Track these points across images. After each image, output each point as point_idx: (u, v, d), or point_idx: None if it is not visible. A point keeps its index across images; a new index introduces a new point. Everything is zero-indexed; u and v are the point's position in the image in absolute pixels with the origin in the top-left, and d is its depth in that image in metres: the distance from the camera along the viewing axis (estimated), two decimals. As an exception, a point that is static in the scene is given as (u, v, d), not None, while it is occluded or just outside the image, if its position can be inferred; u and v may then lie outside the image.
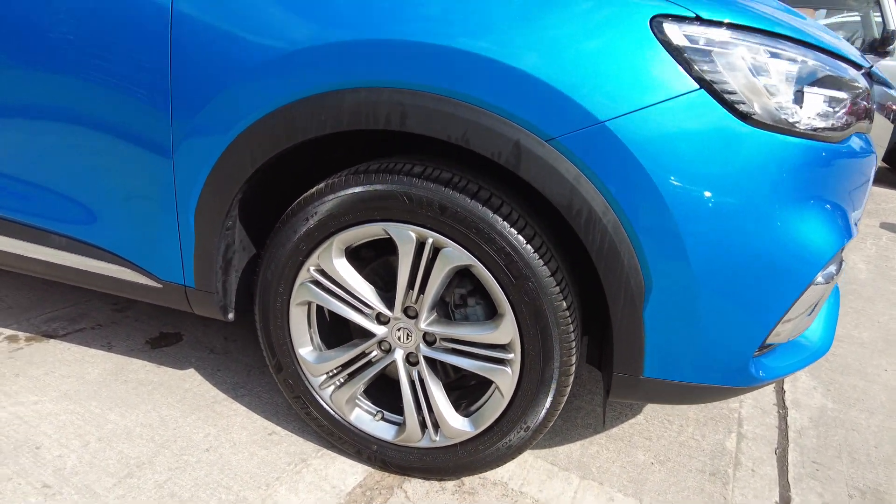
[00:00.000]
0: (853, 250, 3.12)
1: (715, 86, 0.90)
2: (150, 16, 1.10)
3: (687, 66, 0.90)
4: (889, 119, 2.77)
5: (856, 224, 1.12)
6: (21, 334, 1.75)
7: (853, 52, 1.15)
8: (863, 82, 1.03)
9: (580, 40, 0.91)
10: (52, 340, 1.72)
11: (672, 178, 0.91)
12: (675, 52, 0.90)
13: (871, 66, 1.26)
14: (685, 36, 0.91)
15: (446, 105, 0.96)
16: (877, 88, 1.33)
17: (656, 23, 0.91)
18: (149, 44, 1.11)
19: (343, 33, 0.98)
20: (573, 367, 1.10)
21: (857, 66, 1.07)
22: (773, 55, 0.93)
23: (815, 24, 1.17)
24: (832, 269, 1.07)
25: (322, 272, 1.17)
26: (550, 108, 0.92)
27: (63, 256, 1.35)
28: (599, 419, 1.53)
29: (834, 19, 5.49)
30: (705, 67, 0.90)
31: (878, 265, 2.93)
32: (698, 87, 0.90)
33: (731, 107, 0.91)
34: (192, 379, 1.56)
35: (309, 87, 1.02)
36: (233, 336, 1.80)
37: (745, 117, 0.91)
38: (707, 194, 0.91)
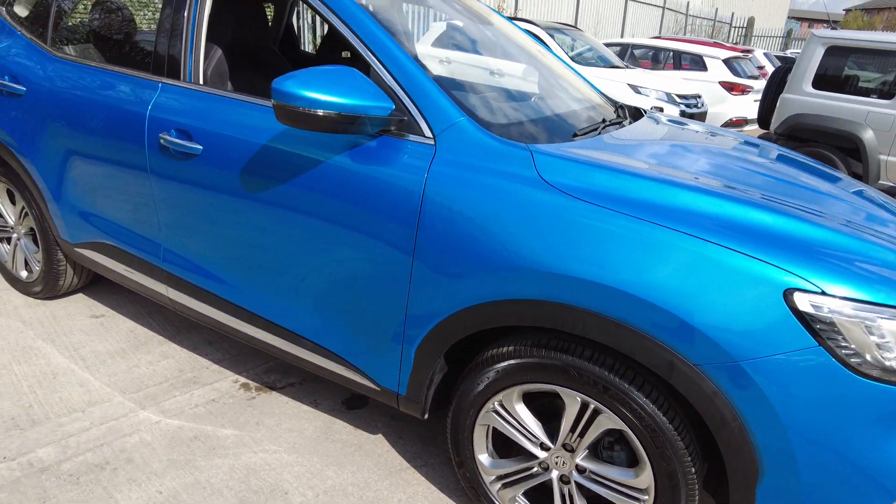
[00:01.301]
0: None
1: (831, 342, 1.20)
2: (404, 198, 1.54)
3: (810, 327, 1.20)
4: None
5: None
6: (251, 383, 2.33)
7: None
8: None
9: (729, 296, 1.24)
10: (273, 392, 2.28)
11: (789, 408, 1.22)
12: (801, 317, 1.21)
13: None
14: (811, 304, 1.20)
15: (620, 329, 1.32)
16: None
17: (788, 292, 1.22)
18: (400, 218, 1.55)
19: (557, 267, 1.36)
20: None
21: None
22: (889, 318, 1.20)
23: None
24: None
25: (503, 406, 1.59)
26: (698, 344, 1.26)
27: (309, 355, 1.87)
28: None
29: None
30: (825, 329, 1.20)
31: None
32: (817, 344, 1.20)
33: (844, 361, 1.20)
34: (381, 444, 2.05)
35: (523, 293, 1.41)
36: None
37: (859, 369, 1.20)
38: (817, 425, 1.22)
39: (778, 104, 5.77)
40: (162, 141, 1.90)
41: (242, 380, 2.35)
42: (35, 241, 2.72)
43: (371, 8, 1.73)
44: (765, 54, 13.06)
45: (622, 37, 16.49)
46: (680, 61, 8.72)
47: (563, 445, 1.54)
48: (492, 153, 1.49)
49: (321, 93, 1.45)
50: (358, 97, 1.49)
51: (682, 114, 6.58)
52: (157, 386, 2.27)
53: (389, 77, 1.60)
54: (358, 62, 1.69)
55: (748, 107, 8.34)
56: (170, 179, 1.94)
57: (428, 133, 1.56)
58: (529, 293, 1.40)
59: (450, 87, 1.64)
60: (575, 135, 1.79)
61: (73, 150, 2.22)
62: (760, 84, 8.69)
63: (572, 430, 1.51)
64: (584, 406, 1.46)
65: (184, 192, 1.92)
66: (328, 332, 1.80)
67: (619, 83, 6.65)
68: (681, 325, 1.26)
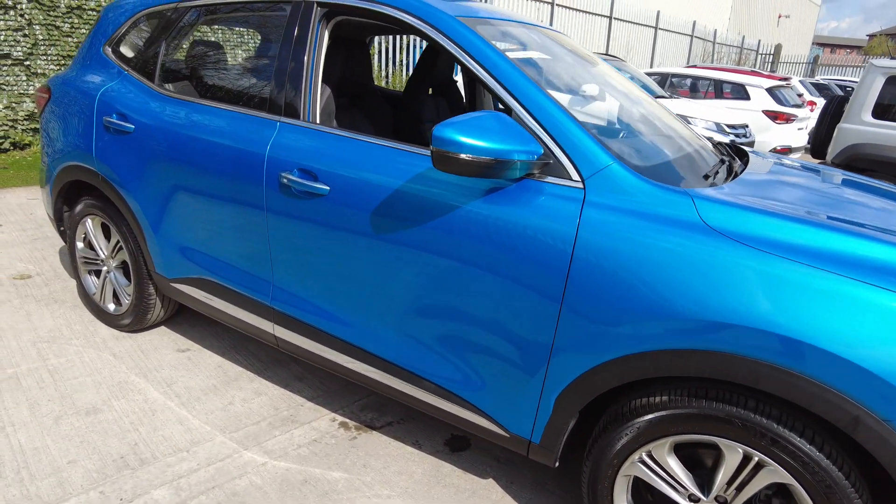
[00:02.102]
0: None
1: None
2: (553, 243, 1.51)
3: None
4: None
5: None
6: (349, 421, 2.29)
7: None
8: None
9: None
10: (373, 432, 2.24)
11: None
12: None
13: None
14: None
15: (799, 380, 1.27)
16: None
17: None
18: (549, 264, 1.51)
19: (733, 315, 1.32)
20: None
21: None
22: None
23: None
24: None
25: (651, 457, 1.53)
26: (888, 398, 1.19)
27: (429, 396, 1.83)
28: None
29: None
30: None
31: None
32: None
33: None
34: (494, 490, 1.99)
35: (691, 343, 1.36)
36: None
37: None
38: None
39: (835, 134, 5.69)
40: (284, 180, 1.91)
41: (340, 418, 2.31)
42: (125, 275, 2.75)
43: (508, 53, 1.74)
44: (800, 81, 13.00)
45: (651, 65, 16.57)
46: (721, 90, 8.70)
47: (716, 498, 1.47)
48: (650, 198, 1.46)
49: (477, 138, 1.44)
50: (510, 142, 1.48)
51: (733, 143, 6.53)
52: (256, 425, 2.24)
53: (533, 121, 1.59)
54: (474, 102, 1.68)
55: (792, 135, 8.27)
56: (289, 218, 1.94)
57: (576, 177, 1.54)
58: (698, 343, 1.35)
59: (588, 129, 1.62)
60: (706, 176, 1.76)
61: (179, 186, 2.24)
62: (803, 112, 8.63)
63: (729, 482, 1.44)
64: (746, 458, 1.40)
65: (305, 231, 1.92)
66: (456, 375, 1.77)
67: (666, 113, 6.63)
68: (868, 378, 1.20)
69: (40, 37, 5.93)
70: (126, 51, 2.59)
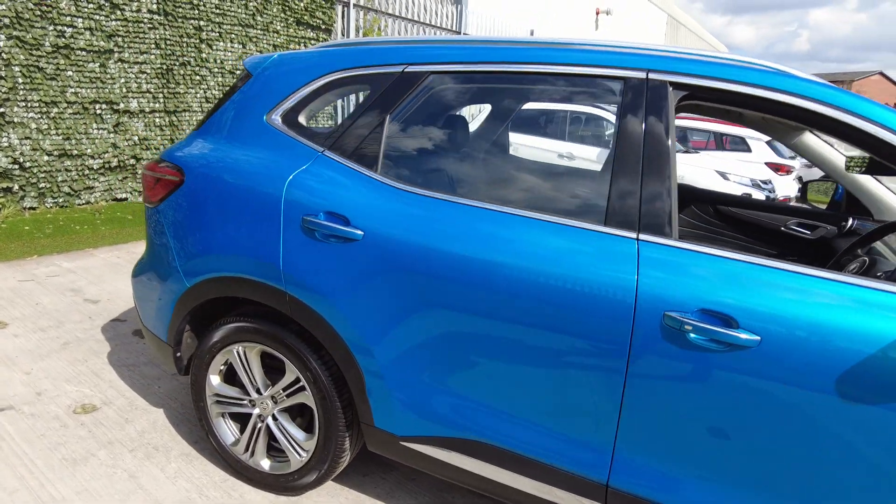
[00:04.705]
0: None
1: None
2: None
3: None
4: None
5: None
6: None
7: None
8: None
9: None
10: None
11: None
12: None
13: None
14: None
15: None
16: None
17: None
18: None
19: None
20: None
21: None
22: None
23: None
24: None
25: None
26: None
27: None
28: None
29: None
30: None
31: None
32: None
33: None
34: None
35: None
36: None
37: None
38: None
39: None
40: (689, 329, 1.35)
41: None
42: (288, 419, 2.02)
43: None
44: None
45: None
46: (723, 142, 8.84)
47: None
48: None
49: None
50: None
51: (768, 199, 6.51)
52: None
53: None
54: None
55: (791, 186, 8.49)
56: (664, 376, 1.38)
57: None
58: None
59: None
60: None
61: (452, 323, 1.60)
62: (796, 163, 8.92)
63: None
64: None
65: (710, 394, 1.36)
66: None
67: (706, 169, 6.53)
68: None
69: (20, 79, 4.93)
70: (308, 124, 1.94)
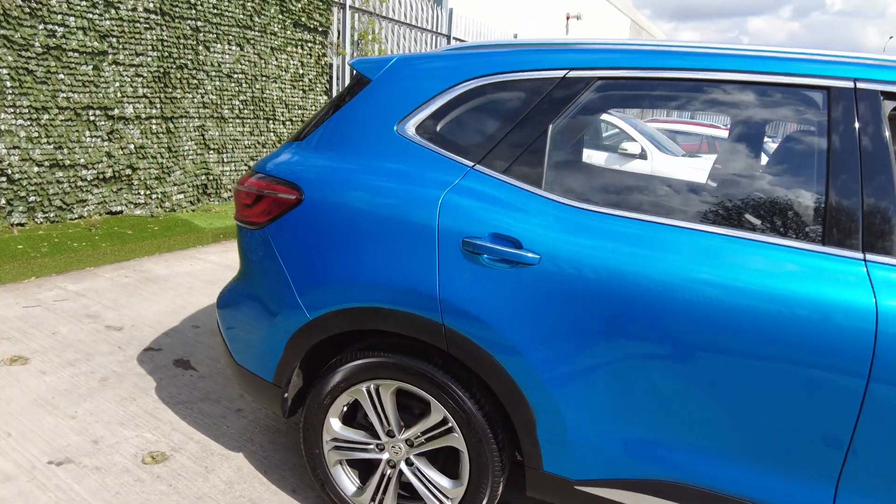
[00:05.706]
0: None
1: None
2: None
3: None
4: None
5: None
6: None
7: None
8: None
9: None
10: None
11: None
12: None
13: None
14: None
15: None
16: None
17: None
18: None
19: None
20: None
21: None
22: None
23: None
24: None
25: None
26: None
27: None
28: None
29: None
30: None
31: None
32: None
33: None
34: None
35: None
36: None
37: None
38: None
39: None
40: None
41: None
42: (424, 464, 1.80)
43: None
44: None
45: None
46: (716, 146, 8.96)
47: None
48: None
49: None
50: None
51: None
52: None
53: None
54: None
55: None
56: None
57: None
58: None
59: None
60: None
61: (645, 346, 1.43)
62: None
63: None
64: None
65: None
66: None
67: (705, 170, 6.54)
68: None
69: (8, 83, 4.48)
70: (452, 136, 1.73)
